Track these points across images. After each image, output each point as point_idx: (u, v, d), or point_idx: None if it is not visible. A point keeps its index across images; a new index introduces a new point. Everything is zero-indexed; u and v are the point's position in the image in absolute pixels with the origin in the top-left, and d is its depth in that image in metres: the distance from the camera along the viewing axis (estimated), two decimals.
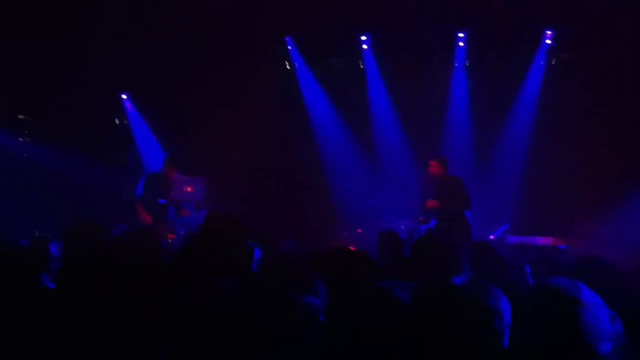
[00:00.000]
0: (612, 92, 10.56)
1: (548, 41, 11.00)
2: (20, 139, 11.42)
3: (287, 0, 11.02)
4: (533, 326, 2.46)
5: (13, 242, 4.83)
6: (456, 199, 9.18)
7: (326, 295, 2.80)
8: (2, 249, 4.24)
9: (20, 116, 11.47)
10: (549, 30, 10.91)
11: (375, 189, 11.49)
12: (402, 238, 6.91)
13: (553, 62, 11.16)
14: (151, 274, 3.25)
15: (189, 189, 9.82)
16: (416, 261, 4.51)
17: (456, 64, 11.58)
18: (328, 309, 2.74)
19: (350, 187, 11.64)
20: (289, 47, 11.98)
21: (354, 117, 12.09)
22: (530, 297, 2.56)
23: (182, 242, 5.22)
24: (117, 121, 12.13)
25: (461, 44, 11.34)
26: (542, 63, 11.19)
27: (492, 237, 9.99)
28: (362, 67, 11.92)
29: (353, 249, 9.30)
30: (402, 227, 10.20)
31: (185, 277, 3.50)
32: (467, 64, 11.55)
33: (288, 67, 12.16)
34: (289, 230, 10.10)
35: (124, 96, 12.00)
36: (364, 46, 11.70)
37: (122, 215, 9.32)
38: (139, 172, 10.26)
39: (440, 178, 9.34)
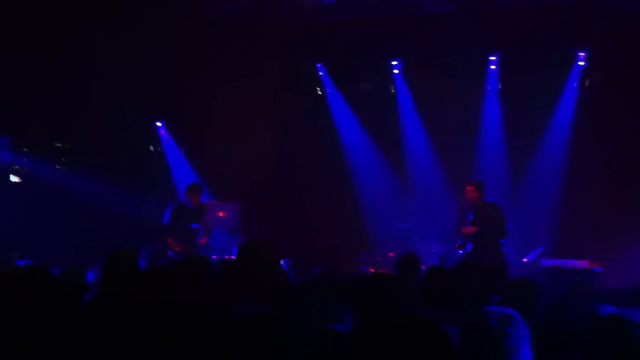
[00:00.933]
0: None
1: (581, 62, 10.93)
2: (57, 167, 11.61)
3: (320, 26, 11.18)
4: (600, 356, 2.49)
5: (51, 271, 4.92)
6: (494, 226, 9.05)
7: (353, 322, 2.82)
8: (43, 277, 4.32)
9: (57, 144, 11.67)
10: (582, 52, 10.84)
11: (407, 213, 11.46)
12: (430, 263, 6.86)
13: (587, 84, 11.08)
14: (190, 300, 3.30)
15: (222, 214, 9.91)
16: (452, 288, 4.45)
17: (488, 87, 11.55)
18: (355, 337, 2.77)
19: (383, 211, 11.63)
20: (321, 73, 12.08)
21: (386, 141, 12.11)
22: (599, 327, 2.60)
23: (219, 269, 5.28)
24: (152, 148, 12.29)
25: (493, 67, 11.31)
26: (575, 85, 11.12)
27: (525, 260, 9.89)
28: (393, 91, 11.95)
29: (386, 272, 9.30)
30: (434, 250, 10.15)
31: (224, 304, 3.55)
32: (500, 87, 11.50)
33: (320, 92, 12.25)
34: (320, 255, 10.13)
35: (158, 124, 12.17)
36: (395, 71, 11.75)
37: (153, 243, 9.42)
38: (172, 199, 10.36)
39: (478, 203, 9.22)
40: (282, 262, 5.05)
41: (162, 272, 3.59)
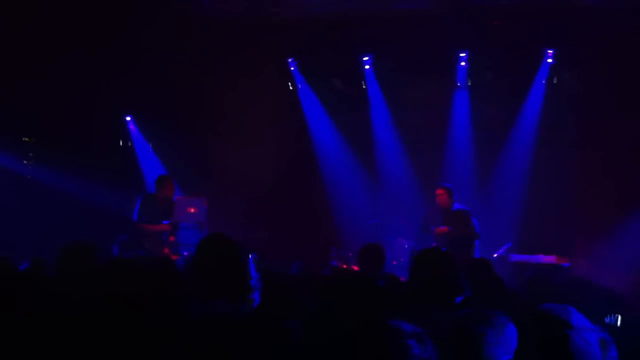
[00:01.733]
0: (613, 111, 10.56)
1: (549, 60, 11.03)
2: (25, 162, 11.47)
3: (290, 21, 11.15)
4: (526, 350, 2.47)
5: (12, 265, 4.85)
6: (463, 233, 9.20)
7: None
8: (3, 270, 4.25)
9: (25, 139, 11.53)
10: (550, 49, 10.93)
11: (377, 209, 11.50)
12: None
13: (555, 81, 11.19)
14: (150, 296, 3.27)
15: (192, 210, 9.84)
16: (417, 281, 4.39)
17: (458, 84, 11.61)
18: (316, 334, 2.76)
19: (352, 207, 11.66)
20: (292, 68, 12.05)
21: (356, 137, 12.13)
22: (523, 321, 2.58)
23: (185, 264, 5.23)
24: (121, 143, 12.18)
25: (463, 63, 11.37)
26: (543, 82, 11.22)
27: (495, 255, 9.98)
28: (364, 87, 11.97)
29: (356, 268, 9.32)
30: (406, 245, 10.20)
31: (185, 300, 3.51)
32: (469, 83, 11.58)
33: (290, 87, 12.22)
34: (291, 251, 10.13)
35: (127, 118, 12.06)
36: (366, 66, 11.76)
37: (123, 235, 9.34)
38: (142, 193, 10.26)
39: (447, 208, 9.40)
40: (249, 257, 5.02)
41: (121, 266, 3.53)
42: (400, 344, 2.22)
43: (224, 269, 3.73)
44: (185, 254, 9.36)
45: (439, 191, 9.52)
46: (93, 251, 4.46)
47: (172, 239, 9.72)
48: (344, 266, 10.08)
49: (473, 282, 5.35)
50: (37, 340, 3.13)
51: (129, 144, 12.23)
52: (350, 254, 10.67)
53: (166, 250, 9.62)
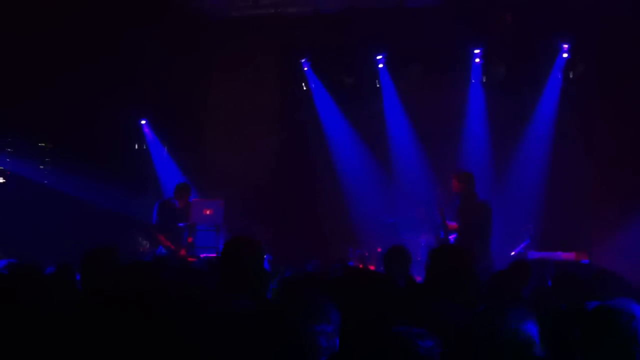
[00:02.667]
0: (630, 103, 10.47)
1: (565, 54, 10.96)
2: (41, 167, 11.52)
3: (299, 21, 11.16)
4: (601, 344, 2.51)
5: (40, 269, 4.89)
6: (478, 225, 8.95)
7: (339, 320, 2.81)
8: (32, 275, 4.29)
9: (41, 144, 11.59)
10: (565, 43, 10.86)
11: (394, 207, 11.45)
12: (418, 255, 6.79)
13: (570, 75, 11.11)
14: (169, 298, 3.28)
15: (208, 212, 9.88)
16: (432, 281, 4.30)
17: (473, 80, 11.56)
18: (342, 335, 2.76)
19: (369, 206, 11.62)
20: (305, 69, 12.05)
21: (371, 136, 12.10)
22: (594, 316, 2.61)
23: (205, 265, 5.26)
24: (136, 146, 12.22)
25: (477, 60, 11.33)
26: (559, 76, 11.15)
27: (513, 253, 9.91)
28: (378, 85, 11.94)
29: (373, 268, 9.29)
30: (423, 243, 10.16)
31: (208, 300, 3.53)
32: (484, 79, 11.52)
33: (305, 88, 12.22)
34: (308, 250, 10.12)
35: (142, 122, 12.10)
36: (380, 65, 11.74)
37: (138, 240, 9.40)
38: (158, 197, 10.30)
39: (464, 196, 9.11)
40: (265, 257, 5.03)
41: (142, 267, 3.57)
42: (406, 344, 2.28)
43: (248, 269, 3.80)
44: (202, 255, 9.41)
45: (454, 180, 9.17)
46: (115, 254, 4.53)
47: (190, 240, 9.78)
48: (360, 265, 10.06)
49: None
50: (63, 339, 3.14)
51: (144, 148, 12.25)
52: (366, 253, 10.66)
53: (183, 252, 9.66)
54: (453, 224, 9.17)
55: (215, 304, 3.40)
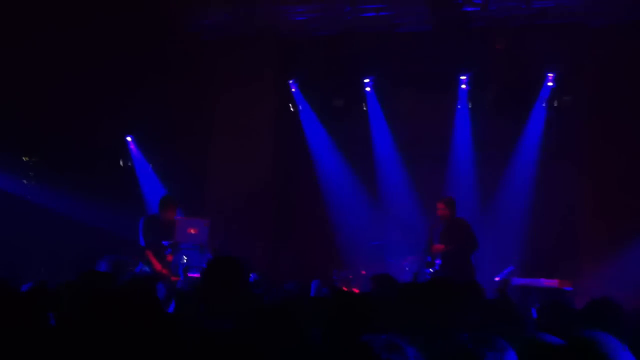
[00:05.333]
0: (615, 132, 10.56)
1: (550, 83, 11.08)
2: (25, 181, 11.42)
3: (291, 43, 11.21)
4: None
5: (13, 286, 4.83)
6: (462, 243, 9.16)
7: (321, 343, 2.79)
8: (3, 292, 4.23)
9: (25, 158, 11.50)
10: (550, 73, 10.98)
11: (379, 230, 11.45)
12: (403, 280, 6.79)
13: (555, 104, 11.22)
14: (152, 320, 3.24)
15: (192, 231, 9.78)
16: (420, 308, 4.30)
17: (459, 105, 11.64)
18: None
19: (354, 228, 11.60)
20: (293, 90, 12.07)
21: (358, 159, 12.12)
22: (565, 350, 2.55)
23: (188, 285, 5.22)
24: (121, 163, 12.15)
25: (463, 86, 11.41)
26: (544, 104, 11.25)
27: (497, 278, 9.92)
28: (365, 108, 11.98)
29: (357, 291, 9.25)
30: (407, 268, 10.14)
31: (187, 321, 3.49)
32: (470, 105, 11.60)
33: (292, 109, 12.23)
34: (292, 272, 10.08)
35: (128, 138, 12.04)
36: (367, 88, 11.79)
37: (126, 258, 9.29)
38: (142, 213, 10.19)
39: (448, 220, 9.35)
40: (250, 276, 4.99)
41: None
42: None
43: (230, 291, 3.76)
44: (190, 275, 9.32)
45: (440, 205, 9.46)
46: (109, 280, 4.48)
47: (169, 258, 9.64)
48: (344, 288, 10.02)
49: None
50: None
51: (129, 164, 12.18)
52: (351, 276, 10.63)
53: (165, 272, 9.55)
54: (438, 246, 9.26)
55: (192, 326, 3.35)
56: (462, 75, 11.34)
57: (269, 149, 12.09)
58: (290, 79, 11.95)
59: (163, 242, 9.61)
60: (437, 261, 9.33)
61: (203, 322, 3.47)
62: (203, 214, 10.36)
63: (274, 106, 12.15)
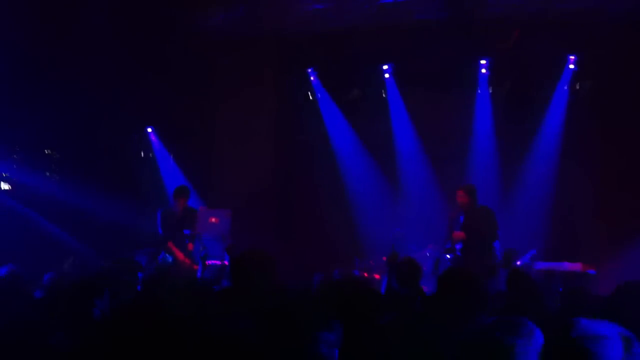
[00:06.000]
0: (636, 116, 10.47)
1: (571, 66, 10.96)
2: (47, 174, 11.53)
3: (310, 31, 11.19)
4: None
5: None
6: (484, 231, 9.11)
7: (341, 330, 2.81)
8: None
9: (47, 151, 11.60)
10: (572, 55, 10.87)
11: (400, 219, 11.43)
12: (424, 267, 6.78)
13: (577, 87, 11.11)
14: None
15: (214, 221, 9.86)
16: (442, 297, 4.30)
17: (479, 92, 11.56)
18: (343, 345, 2.76)
19: (376, 216, 11.61)
20: (312, 79, 12.06)
21: (378, 147, 12.10)
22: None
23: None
24: (142, 154, 12.22)
25: (484, 70, 11.33)
26: (565, 88, 11.14)
27: (519, 263, 9.89)
28: (384, 96, 11.94)
29: (377, 277, 9.29)
30: (428, 254, 10.15)
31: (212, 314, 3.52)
32: (491, 91, 11.52)
33: (311, 98, 12.23)
34: (314, 261, 10.11)
35: (149, 129, 12.10)
36: (386, 75, 11.75)
37: (147, 249, 9.39)
38: (164, 204, 10.27)
39: (469, 208, 9.29)
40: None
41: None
42: None
43: (260, 284, 3.76)
44: (208, 263, 9.39)
45: (460, 192, 9.40)
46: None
47: (190, 247, 9.76)
48: (366, 274, 10.07)
49: (510, 291, 5.29)
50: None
51: (151, 155, 12.25)
52: (372, 263, 10.65)
53: (187, 261, 9.65)
54: (459, 233, 9.24)
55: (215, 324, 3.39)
56: (482, 60, 11.25)
57: (289, 141, 12.12)
58: (307, 69, 11.91)
59: (184, 232, 9.73)
60: (457, 246, 9.32)
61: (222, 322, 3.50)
62: (223, 205, 10.40)
63: (294, 97, 12.16)
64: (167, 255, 9.51)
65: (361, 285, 3.74)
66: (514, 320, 2.45)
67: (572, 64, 10.93)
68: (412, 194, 11.78)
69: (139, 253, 8.37)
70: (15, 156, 11.13)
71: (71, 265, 8.47)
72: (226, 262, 8.30)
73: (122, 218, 10.82)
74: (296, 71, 11.97)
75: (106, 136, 11.23)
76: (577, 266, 9.40)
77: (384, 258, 10.39)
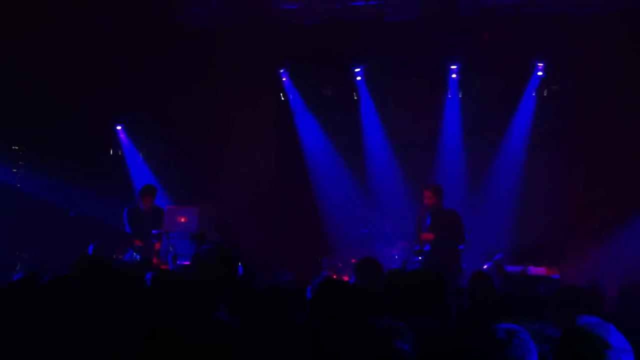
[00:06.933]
0: (602, 120, 10.65)
1: (540, 73, 11.12)
2: (14, 170, 11.39)
3: (281, 32, 11.19)
4: None
5: None
6: (451, 233, 9.18)
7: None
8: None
9: (14, 147, 11.46)
10: (540, 62, 11.02)
11: (369, 218, 11.49)
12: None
13: (544, 93, 11.27)
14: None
15: (182, 220, 9.82)
16: (405, 295, 4.34)
17: (449, 93, 11.66)
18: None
19: (344, 216, 11.64)
20: (284, 79, 12.06)
21: (348, 147, 12.14)
22: (561, 338, 2.56)
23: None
24: (111, 152, 12.13)
25: (454, 75, 11.44)
26: (533, 93, 11.30)
27: (485, 266, 9.99)
28: (355, 97, 11.99)
29: (346, 278, 9.31)
30: (396, 256, 10.19)
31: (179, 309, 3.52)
32: (460, 94, 11.62)
33: (282, 97, 12.23)
34: (282, 260, 10.12)
35: (118, 127, 12.01)
36: (358, 77, 11.79)
37: (114, 246, 9.34)
38: (127, 206, 10.20)
39: (436, 208, 9.36)
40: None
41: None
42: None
43: (222, 280, 3.79)
44: (179, 263, 9.36)
45: (427, 193, 9.47)
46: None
47: (157, 246, 9.71)
48: (334, 276, 10.07)
49: (473, 295, 5.36)
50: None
51: (119, 153, 12.16)
52: (340, 264, 10.68)
53: (155, 260, 9.59)
54: (427, 235, 9.30)
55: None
56: (453, 65, 11.36)
57: (260, 139, 12.11)
58: (280, 68, 11.93)
59: (152, 231, 9.68)
60: (426, 248, 9.37)
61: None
62: (193, 203, 10.36)
63: (265, 96, 12.15)
64: (134, 253, 9.46)
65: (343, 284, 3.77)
66: (516, 327, 2.47)
67: (540, 70, 11.08)
68: (382, 193, 11.83)
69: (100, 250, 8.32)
70: None
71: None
72: None
73: (88, 214, 10.75)
74: (267, 69, 11.94)
75: (74, 133, 11.11)
76: (541, 270, 9.52)
77: (353, 260, 10.45)
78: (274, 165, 12.15)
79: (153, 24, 10.76)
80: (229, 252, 3.98)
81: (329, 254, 10.96)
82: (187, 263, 8.96)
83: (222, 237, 9.22)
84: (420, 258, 9.43)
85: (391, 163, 11.91)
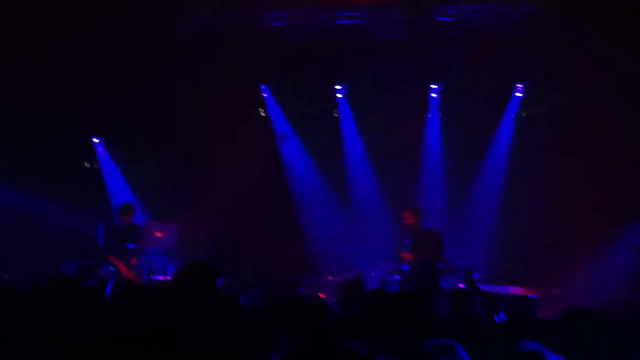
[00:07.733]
0: (582, 141, 10.73)
1: (519, 94, 11.21)
2: None
3: (263, 48, 11.18)
4: None
5: None
6: (430, 253, 9.24)
7: (287, 348, 2.80)
8: None
9: None
10: (519, 84, 11.12)
11: (349, 236, 11.46)
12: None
13: (524, 115, 11.37)
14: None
15: (159, 235, 9.73)
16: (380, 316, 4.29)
17: (430, 115, 11.72)
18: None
19: (324, 235, 11.60)
20: (265, 95, 12.03)
21: (329, 165, 12.13)
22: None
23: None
24: (87, 165, 11.99)
25: (434, 95, 11.50)
26: (513, 115, 11.39)
27: (462, 285, 9.99)
28: (336, 115, 12.00)
29: (323, 296, 9.25)
30: (373, 274, 10.17)
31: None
32: (441, 114, 11.68)
33: (263, 114, 12.19)
34: (261, 278, 10.04)
35: (95, 140, 11.89)
36: (339, 95, 11.81)
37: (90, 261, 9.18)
38: (104, 218, 10.07)
39: (415, 228, 9.42)
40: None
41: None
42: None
43: (200, 294, 3.75)
44: (149, 279, 9.26)
45: (406, 214, 9.53)
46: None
47: (133, 261, 9.60)
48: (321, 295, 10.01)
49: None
50: None
51: (96, 167, 12.02)
52: (318, 283, 10.61)
53: (131, 276, 9.48)
54: (406, 255, 9.34)
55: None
56: (433, 85, 11.43)
57: (241, 155, 12.05)
58: (261, 84, 11.91)
59: (128, 246, 9.56)
60: (403, 267, 9.41)
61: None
62: (171, 219, 10.26)
63: (246, 112, 12.10)
64: (110, 267, 9.35)
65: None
66: (449, 344, 2.52)
67: (520, 92, 11.17)
68: (362, 212, 11.83)
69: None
70: None
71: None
72: (169, 278, 8.19)
73: (63, 227, 10.63)
74: (250, 84, 11.91)
75: (51, 144, 10.99)
76: (518, 290, 9.55)
77: (329, 277, 10.41)
78: (254, 182, 12.07)
79: (136, 37, 10.69)
80: (209, 267, 3.94)
81: (308, 272, 10.89)
82: (162, 278, 8.89)
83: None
84: (398, 277, 9.43)
85: (372, 182, 11.92)
